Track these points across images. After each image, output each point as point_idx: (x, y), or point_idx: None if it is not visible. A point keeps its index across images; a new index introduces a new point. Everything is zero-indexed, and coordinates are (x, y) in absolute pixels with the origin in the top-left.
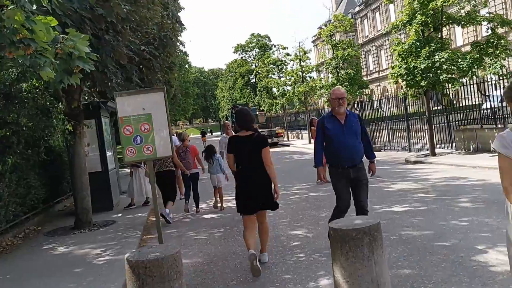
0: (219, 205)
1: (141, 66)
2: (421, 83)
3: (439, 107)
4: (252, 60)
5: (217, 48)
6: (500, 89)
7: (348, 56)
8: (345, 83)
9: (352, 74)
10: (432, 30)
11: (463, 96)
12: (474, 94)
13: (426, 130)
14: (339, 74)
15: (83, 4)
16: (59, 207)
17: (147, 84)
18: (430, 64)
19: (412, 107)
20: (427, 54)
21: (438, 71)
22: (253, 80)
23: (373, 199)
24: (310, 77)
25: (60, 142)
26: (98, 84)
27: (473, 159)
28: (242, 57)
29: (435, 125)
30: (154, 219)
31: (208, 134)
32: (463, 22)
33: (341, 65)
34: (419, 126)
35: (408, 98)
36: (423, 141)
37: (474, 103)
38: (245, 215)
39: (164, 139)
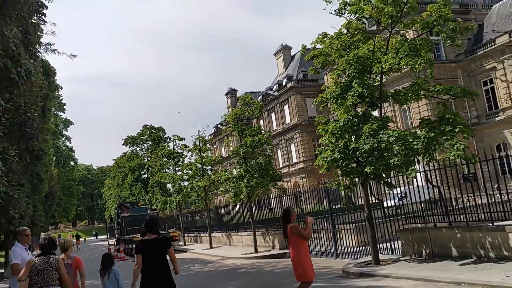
0: None
1: None
2: (366, 169)
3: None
4: (144, 153)
5: (109, 145)
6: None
7: (259, 143)
8: (255, 175)
9: (263, 164)
10: (368, 105)
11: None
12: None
13: (350, 230)
14: (248, 165)
15: None
16: None
17: None
18: (376, 145)
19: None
20: (371, 132)
21: (385, 154)
22: (145, 176)
23: None
24: (211, 169)
25: None
26: None
27: (440, 269)
28: (132, 150)
29: (360, 224)
30: None
31: (92, 238)
32: (410, 95)
33: (250, 154)
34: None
35: (341, 190)
36: (349, 242)
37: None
38: None
39: None
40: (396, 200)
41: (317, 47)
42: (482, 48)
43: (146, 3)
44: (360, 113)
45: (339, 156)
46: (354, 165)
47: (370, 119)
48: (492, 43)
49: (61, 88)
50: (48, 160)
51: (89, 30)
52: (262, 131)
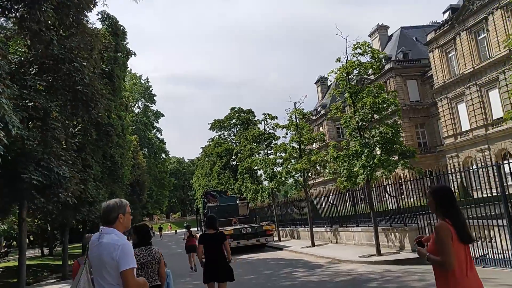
0: None
1: None
2: None
3: None
4: (232, 139)
5: (198, 141)
6: None
7: (383, 105)
8: (375, 150)
9: (388, 136)
10: None
11: None
12: None
13: None
14: (368, 135)
15: None
16: None
17: None
18: None
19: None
20: None
21: None
22: (234, 163)
23: None
24: (310, 150)
25: None
26: None
27: None
28: (219, 135)
29: None
30: None
31: (183, 230)
32: None
33: (368, 122)
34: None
35: None
36: None
37: None
38: (207, 283)
39: None
40: None
41: None
42: None
43: (231, 5)
44: None
45: None
46: None
47: None
48: None
49: (135, 54)
50: (127, 143)
51: (174, 34)
52: (384, 90)
